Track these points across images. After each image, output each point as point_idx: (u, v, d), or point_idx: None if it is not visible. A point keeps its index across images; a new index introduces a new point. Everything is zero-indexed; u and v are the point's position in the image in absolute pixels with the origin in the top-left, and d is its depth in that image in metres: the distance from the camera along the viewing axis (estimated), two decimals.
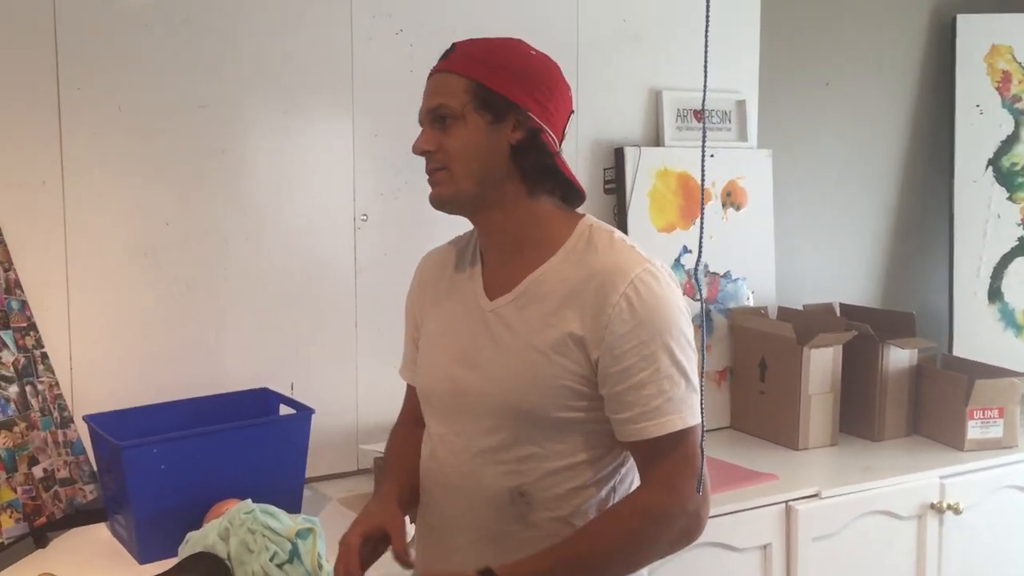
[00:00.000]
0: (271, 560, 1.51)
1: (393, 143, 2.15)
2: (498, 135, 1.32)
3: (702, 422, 1.29)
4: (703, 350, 1.24)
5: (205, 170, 2.02)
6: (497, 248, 1.41)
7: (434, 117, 1.34)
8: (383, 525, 1.36)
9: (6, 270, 1.82)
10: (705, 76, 1.12)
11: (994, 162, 2.97)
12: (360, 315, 2.20)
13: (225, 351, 2.07)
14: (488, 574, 1.25)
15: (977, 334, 2.94)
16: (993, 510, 2.34)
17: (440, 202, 1.38)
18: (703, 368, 1.29)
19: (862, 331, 2.44)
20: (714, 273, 2.60)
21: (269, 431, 1.87)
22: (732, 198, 2.62)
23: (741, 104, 2.66)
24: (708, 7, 1.09)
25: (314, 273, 2.15)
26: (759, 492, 2.09)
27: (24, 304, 1.83)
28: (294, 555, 1.53)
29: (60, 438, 1.82)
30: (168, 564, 1.57)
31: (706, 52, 1.09)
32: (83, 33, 1.88)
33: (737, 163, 2.62)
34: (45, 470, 1.76)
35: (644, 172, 2.49)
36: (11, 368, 1.76)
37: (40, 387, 1.81)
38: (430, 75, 1.37)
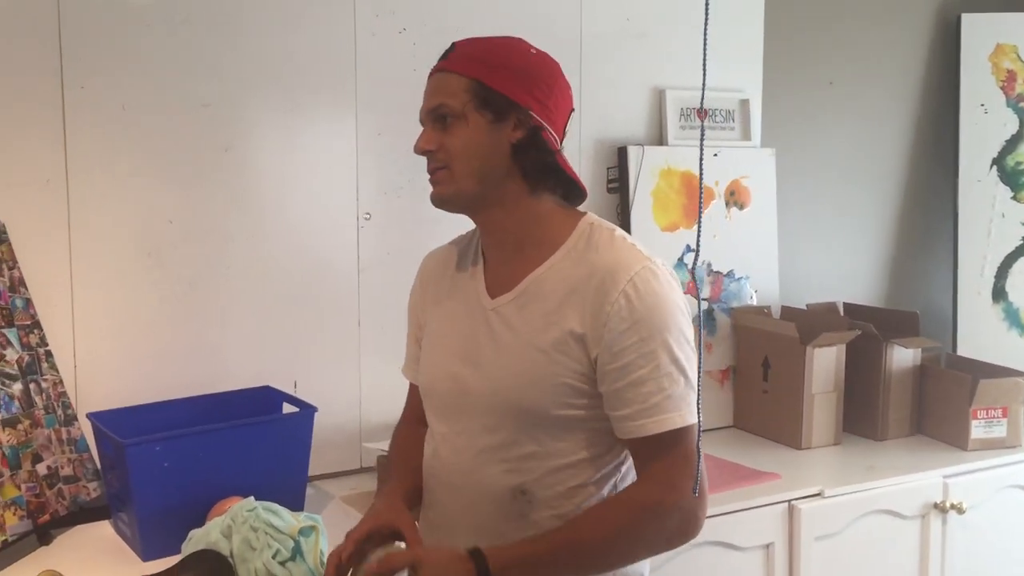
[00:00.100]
0: (273, 558, 1.51)
1: (396, 141, 2.15)
2: (499, 134, 1.32)
3: (699, 422, 1.29)
4: (701, 349, 1.24)
5: (208, 169, 2.03)
6: (499, 247, 1.41)
7: (435, 117, 1.35)
8: (391, 523, 1.37)
9: (10, 268, 1.82)
10: (704, 75, 1.11)
11: (998, 161, 2.96)
12: (363, 313, 2.20)
13: (228, 349, 2.07)
14: (477, 554, 1.26)
15: (981, 334, 2.94)
16: (997, 510, 2.33)
17: (441, 201, 1.38)
18: (701, 367, 1.29)
19: (866, 330, 2.43)
20: (717, 272, 2.60)
21: (272, 429, 1.87)
22: (735, 197, 2.62)
23: (745, 103, 2.65)
24: (707, 6, 1.09)
25: (317, 271, 2.15)
26: (762, 491, 2.08)
27: (28, 302, 1.84)
28: (296, 553, 1.54)
29: (64, 436, 1.82)
30: (171, 561, 1.57)
31: (705, 51, 1.09)
32: (87, 33, 1.89)
33: (740, 162, 2.62)
34: (49, 467, 1.76)
35: (647, 171, 2.49)
36: (15, 366, 1.76)
37: (44, 385, 1.81)
38: (430, 75, 1.38)
